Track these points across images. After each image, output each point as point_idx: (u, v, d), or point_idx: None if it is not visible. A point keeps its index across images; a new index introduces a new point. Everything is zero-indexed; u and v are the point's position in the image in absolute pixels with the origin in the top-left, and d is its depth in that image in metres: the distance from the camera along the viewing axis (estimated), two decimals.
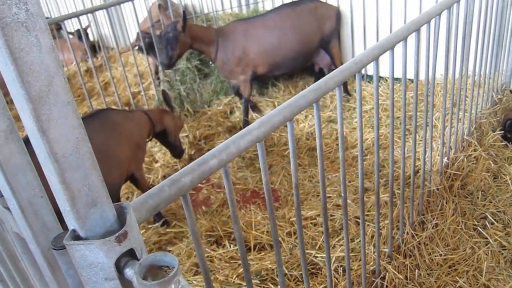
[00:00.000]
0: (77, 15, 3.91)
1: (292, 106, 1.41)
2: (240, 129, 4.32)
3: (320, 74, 4.74)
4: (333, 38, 4.40)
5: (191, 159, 4.02)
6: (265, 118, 1.35)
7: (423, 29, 2.15)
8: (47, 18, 6.12)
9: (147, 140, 3.36)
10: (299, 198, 1.57)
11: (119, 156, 2.87)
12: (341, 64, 4.51)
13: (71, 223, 0.76)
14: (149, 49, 4.57)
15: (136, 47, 4.77)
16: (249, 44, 4.16)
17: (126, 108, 4.92)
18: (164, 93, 3.61)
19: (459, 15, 2.54)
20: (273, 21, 4.20)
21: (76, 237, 0.77)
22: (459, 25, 2.61)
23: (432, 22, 2.23)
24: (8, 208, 1.10)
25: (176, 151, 3.76)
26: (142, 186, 3.23)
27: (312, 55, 4.44)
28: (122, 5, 4.22)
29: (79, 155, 0.71)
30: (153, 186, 3.44)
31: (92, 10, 3.92)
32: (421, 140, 3.40)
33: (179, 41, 3.91)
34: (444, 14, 2.35)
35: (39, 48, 0.62)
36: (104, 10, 4.10)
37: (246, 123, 4.34)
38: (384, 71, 3.15)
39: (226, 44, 4.12)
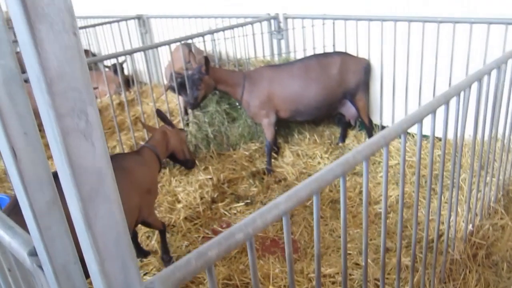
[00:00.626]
0: (116, 56, 4.09)
1: (319, 180, 1.45)
2: (264, 174, 4.36)
3: (347, 125, 4.79)
4: (360, 91, 4.45)
5: (213, 201, 4.06)
6: (292, 192, 1.38)
7: (453, 101, 2.18)
8: (88, 57, 6.41)
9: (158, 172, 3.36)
10: (320, 269, 1.58)
11: (129, 205, 2.84)
12: (368, 117, 4.55)
13: None
14: (181, 89, 4.71)
15: (168, 89, 4.93)
16: (273, 89, 4.33)
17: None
18: (158, 111, 3.61)
19: (489, 86, 2.56)
20: (299, 70, 4.35)
21: None
22: (489, 94, 2.63)
23: (462, 94, 2.25)
24: (41, 267, 1.15)
25: (188, 164, 3.76)
26: (155, 227, 3.25)
27: (336, 105, 4.53)
28: (158, 48, 4.38)
29: (119, 247, 0.75)
30: (166, 224, 3.42)
31: (131, 52, 4.10)
32: (445, 202, 3.38)
33: (203, 82, 4.20)
34: (474, 86, 2.38)
35: (94, 153, 0.68)
36: (141, 52, 4.27)
37: (269, 171, 4.38)
38: (411, 128, 3.17)
39: (252, 88, 4.31)
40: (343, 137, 4.80)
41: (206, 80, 4.21)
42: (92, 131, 0.68)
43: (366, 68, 4.48)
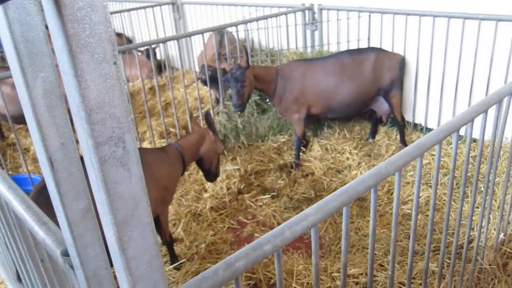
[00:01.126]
0: (149, 44, 4.12)
1: (350, 192, 1.43)
2: (291, 167, 4.34)
3: (377, 121, 4.70)
4: (394, 88, 4.36)
5: (239, 192, 4.08)
6: (322, 203, 1.37)
7: (491, 110, 2.10)
8: (119, 45, 6.47)
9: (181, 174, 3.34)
10: (345, 279, 1.57)
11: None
12: (400, 114, 4.46)
13: None
14: (212, 82, 4.72)
15: (199, 79, 4.95)
16: (307, 84, 4.24)
17: (183, 132, 5.08)
18: (207, 115, 3.51)
19: None
20: (333, 66, 4.26)
21: None
22: None
23: (503, 102, 2.17)
24: (72, 267, 1.18)
25: (209, 176, 3.68)
26: (163, 231, 3.17)
27: (368, 103, 4.44)
28: (192, 37, 4.39)
29: (151, 269, 0.76)
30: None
31: (164, 41, 4.11)
32: (477, 207, 3.30)
33: (247, 77, 3.98)
34: None
35: (130, 179, 0.68)
36: (175, 40, 4.29)
37: (297, 165, 4.36)
38: None
39: (285, 83, 4.22)
40: (373, 133, 4.73)
41: (248, 74, 4.00)
42: (129, 158, 0.68)
43: (401, 64, 4.37)
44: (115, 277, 1.11)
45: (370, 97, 4.38)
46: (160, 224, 3.14)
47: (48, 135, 0.92)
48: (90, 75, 0.61)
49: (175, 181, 3.25)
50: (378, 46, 4.65)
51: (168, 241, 3.24)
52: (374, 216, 1.58)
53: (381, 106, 4.49)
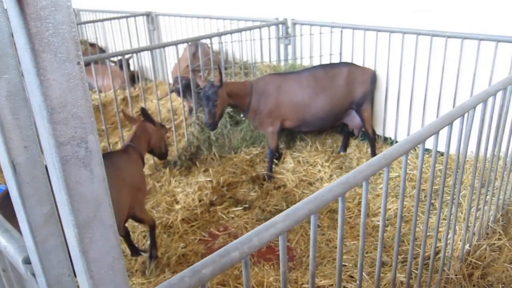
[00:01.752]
0: (123, 54, 4.09)
1: (318, 200, 1.44)
2: (264, 179, 4.35)
3: (349, 134, 4.78)
4: (366, 102, 4.45)
5: (211, 204, 4.06)
6: (290, 211, 1.38)
7: (456, 122, 2.17)
8: (95, 51, 6.39)
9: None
10: (314, 280, 1.58)
11: (120, 202, 2.90)
12: (371, 128, 4.54)
13: None
14: (185, 92, 4.72)
15: (173, 91, 4.94)
16: (281, 98, 4.27)
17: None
18: (142, 110, 3.63)
19: (494, 107, 2.55)
20: (307, 80, 4.31)
21: None
22: (494, 115, 2.61)
23: (466, 115, 2.25)
24: (34, 275, 1.15)
25: (162, 156, 3.88)
26: (146, 222, 3.32)
27: (341, 116, 4.52)
28: (166, 48, 4.38)
29: (113, 272, 0.75)
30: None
31: (138, 51, 4.10)
32: (444, 219, 3.37)
33: (219, 96, 3.95)
34: (479, 107, 2.37)
35: (92, 180, 0.68)
36: (148, 51, 4.27)
37: (269, 177, 4.37)
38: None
39: (259, 96, 4.23)
40: (345, 147, 4.80)
41: (221, 93, 3.97)
42: (91, 158, 0.67)
43: (372, 79, 4.47)
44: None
45: (343, 110, 4.45)
46: (140, 219, 3.28)
47: (11, 138, 0.90)
48: (53, 74, 0.61)
49: (143, 178, 3.37)
50: (350, 61, 4.75)
51: (152, 225, 3.36)
52: (342, 224, 1.60)
53: (353, 120, 4.57)
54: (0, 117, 0.88)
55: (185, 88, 4.63)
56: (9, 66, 0.88)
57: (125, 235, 3.33)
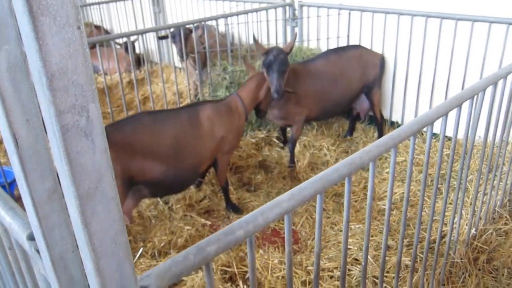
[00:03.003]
0: (128, 35, 4.06)
1: (324, 180, 1.43)
2: (290, 167, 4.23)
3: (356, 118, 4.73)
4: (376, 86, 4.39)
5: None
6: (296, 190, 1.36)
7: (465, 104, 2.13)
8: (100, 33, 6.32)
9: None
10: (319, 267, 1.57)
11: (196, 147, 3.25)
12: (380, 112, 4.50)
13: None
14: (176, 38, 4.62)
15: (161, 38, 4.82)
16: (306, 88, 4.05)
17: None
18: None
19: (504, 90, 2.51)
20: (324, 67, 4.16)
21: None
22: (503, 99, 2.57)
23: (476, 97, 2.21)
24: (39, 251, 1.15)
25: (261, 114, 3.86)
26: (219, 176, 3.58)
27: (354, 100, 4.45)
28: (172, 29, 4.34)
29: (115, 245, 0.74)
30: (227, 184, 3.70)
31: (143, 32, 4.07)
32: (450, 203, 3.35)
33: (288, 64, 3.66)
34: (489, 89, 2.33)
35: (94, 150, 0.66)
36: (154, 32, 4.23)
37: (291, 167, 4.20)
38: None
39: (291, 84, 3.90)
40: (351, 131, 4.76)
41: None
42: (92, 128, 0.66)
43: (381, 62, 4.42)
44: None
45: (357, 94, 4.37)
46: (217, 168, 3.53)
47: (12, 111, 0.89)
48: (52, 39, 0.59)
49: (234, 130, 3.47)
50: (357, 44, 4.68)
51: (223, 186, 3.64)
52: (349, 205, 1.59)
53: (362, 104, 4.52)
54: (0, 90, 0.87)
55: (182, 35, 4.53)
56: (9, 37, 0.86)
57: (225, 186, 3.65)
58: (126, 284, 0.78)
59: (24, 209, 1.19)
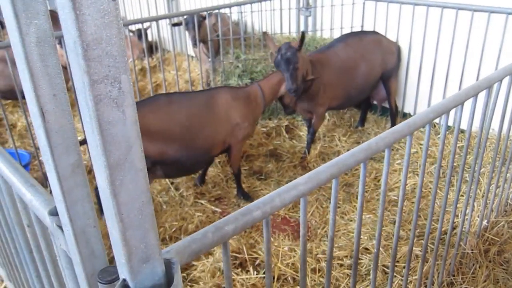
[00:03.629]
0: (141, 21, 4.07)
1: (340, 165, 1.43)
2: (302, 157, 4.21)
3: (367, 108, 4.70)
4: (393, 74, 4.36)
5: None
6: (312, 174, 1.37)
7: (481, 94, 2.12)
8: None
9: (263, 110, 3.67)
10: (332, 251, 1.59)
11: (210, 129, 3.30)
12: (395, 102, 4.48)
13: (124, 274, 0.81)
14: (190, 25, 4.64)
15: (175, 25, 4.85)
16: (331, 75, 3.95)
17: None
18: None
19: None
20: (345, 51, 4.05)
21: (125, 286, 0.82)
22: None
23: (492, 88, 2.19)
24: (61, 227, 1.17)
25: (287, 110, 3.99)
26: (232, 163, 3.63)
27: (375, 86, 4.36)
28: (185, 16, 4.34)
29: (142, 216, 0.76)
30: (240, 170, 3.76)
31: (157, 19, 4.07)
32: (462, 196, 3.35)
33: (299, 58, 3.55)
34: (506, 80, 2.32)
35: (124, 121, 0.68)
36: (167, 19, 4.24)
37: (304, 158, 4.18)
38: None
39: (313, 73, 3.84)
40: (362, 121, 4.75)
41: (300, 55, 3.57)
42: (124, 99, 0.67)
43: (398, 51, 4.39)
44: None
45: (378, 80, 4.27)
46: (230, 155, 3.58)
47: (40, 85, 0.90)
48: (88, 9, 0.60)
49: (249, 119, 3.50)
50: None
51: (236, 173, 3.68)
52: (363, 191, 1.60)
53: (379, 92, 4.49)
54: (29, 64, 0.89)
55: (196, 22, 4.54)
56: (39, 11, 0.87)
57: (238, 173, 3.70)
58: (151, 255, 0.80)
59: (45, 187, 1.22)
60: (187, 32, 4.89)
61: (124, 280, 0.82)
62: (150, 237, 0.78)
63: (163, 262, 0.83)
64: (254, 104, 3.52)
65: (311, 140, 4.17)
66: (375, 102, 4.62)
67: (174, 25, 4.65)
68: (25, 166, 4.00)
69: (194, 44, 4.65)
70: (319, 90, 3.91)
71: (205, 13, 4.45)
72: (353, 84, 4.08)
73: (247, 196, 3.73)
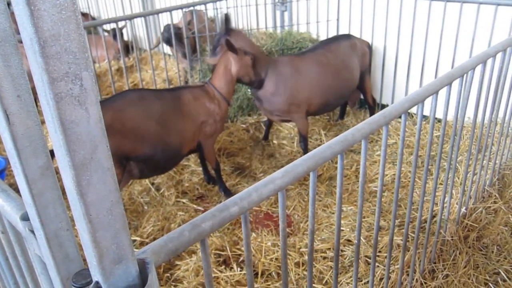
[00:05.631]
0: (116, 20, 4.01)
1: (317, 157, 1.43)
2: (260, 146, 4.30)
3: (346, 102, 4.73)
4: (367, 73, 4.36)
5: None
6: (289, 167, 1.37)
7: (455, 83, 2.15)
8: (87, 20, 6.27)
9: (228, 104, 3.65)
10: (313, 244, 1.59)
11: (179, 127, 3.32)
12: (372, 97, 4.51)
13: (96, 277, 0.79)
14: (177, 41, 4.66)
15: (163, 38, 4.88)
16: (303, 81, 3.85)
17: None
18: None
19: (493, 69, 2.53)
20: (325, 57, 3.98)
21: None
22: (492, 77, 2.59)
23: (465, 76, 2.22)
24: (33, 232, 1.14)
25: (254, 83, 3.80)
26: (209, 160, 3.67)
27: (354, 89, 4.30)
28: (160, 15, 4.29)
29: (112, 216, 0.74)
30: (219, 165, 3.75)
31: (131, 18, 4.01)
32: (441, 184, 3.39)
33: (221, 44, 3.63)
34: (478, 68, 2.35)
35: (88, 119, 0.66)
36: (142, 17, 4.19)
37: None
38: (411, 108, 3.15)
39: (278, 78, 3.76)
40: (342, 114, 4.77)
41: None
42: (87, 97, 0.65)
43: (370, 49, 4.40)
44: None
45: (356, 84, 4.22)
46: (203, 152, 3.61)
47: (2, 86, 0.87)
48: (43, 4, 0.58)
49: (213, 115, 3.52)
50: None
51: (215, 168, 3.70)
52: (341, 182, 1.60)
53: (353, 93, 4.49)
54: None
55: (175, 36, 4.55)
56: None
57: (217, 167, 3.71)
58: (123, 256, 0.78)
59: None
60: (170, 48, 4.92)
61: (97, 282, 0.80)
62: (121, 238, 0.77)
63: (136, 263, 0.82)
64: (216, 101, 3.53)
65: (305, 147, 4.02)
66: (348, 102, 4.63)
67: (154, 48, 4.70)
68: (1, 172, 3.91)
69: (184, 57, 4.65)
70: (285, 97, 3.79)
71: (181, 24, 4.43)
72: (333, 91, 3.98)
73: (228, 192, 3.72)
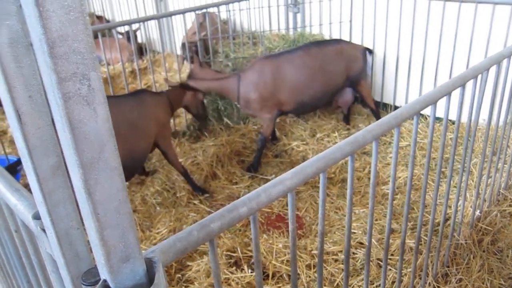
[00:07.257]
0: (130, 23, 4.05)
1: (327, 158, 1.43)
2: (251, 167, 4.11)
3: (348, 109, 4.69)
4: (362, 78, 4.31)
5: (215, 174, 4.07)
6: (298, 168, 1.37)
7: (469, 84, 2.12)
8: (102, 23, 6.33)
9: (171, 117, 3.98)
10: (323, 246, 1.58)
11: (146, 130, 3.46)
12: (373, 102, 4.48)
13: (104, 275, 0.80)
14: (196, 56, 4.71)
15: (184, 60, 4.93)
16: (277, 81, 3.97)
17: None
18: (184, 85, 3.99)
19: (508, 70, 2.49)
20: (302, 59, 4.05)
21: (106, 287, 0.81)
22: (508, 79, 2.56)
23: (479, 77, 2.20)
24: (44, 230, 1.16)
25: (199, 117, 4.39)
26: (171, 160, 3.75)
27: (335, 93, 4.36)
28: (173, 17, 4.33)
29: (119, 215, 0.75)
30: (183, 168, 3.80)
31: (145, 20, 4.05)
32: (455, 187, 3.35)
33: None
34: (493, 69, 2.32)
35: (96, 119, 0.67)
36: (156, 20, 4.22)
37: (250, 170, 4.08)
38: (424, 110, 3.13)
39: (249, 84, 3.95)
40: (347, 119, 4.74)
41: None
42: (94, 97, 0.66)
43: (363, 54, 4.33)
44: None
45: (338, 88, 4.30)
46: (165, 153, 3.73)
47: (15, 87, 0.89)
48: (52, 5, 0.59)
49: (168, 121, 3.84)
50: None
51: (182, 172, 3.78)
52: (352, 184, 1.59)
53: (343, 97, 4.46)
54: (3, 65, 0.87)
55: (194, 54, 4.61)
56: (10, 11, 0.86)
57: (184, 171, 3.81)
58: (131, 255, 0.79)
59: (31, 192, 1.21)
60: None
61: (105, 280, 0.81)
62: (129, 236, 0.77)
63: (143, 261, 0.83)
64: (169, 108, 3.85)
65: (261, 147, 4.09)
66: (340, 106, 4.59)
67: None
68: (17, 172, 3.97)
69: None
70: (257, 99, 3.96)
71: (196, 38, 4.50)
72: (308, 92, 4.08)
73: (203, 191, 3.81)
